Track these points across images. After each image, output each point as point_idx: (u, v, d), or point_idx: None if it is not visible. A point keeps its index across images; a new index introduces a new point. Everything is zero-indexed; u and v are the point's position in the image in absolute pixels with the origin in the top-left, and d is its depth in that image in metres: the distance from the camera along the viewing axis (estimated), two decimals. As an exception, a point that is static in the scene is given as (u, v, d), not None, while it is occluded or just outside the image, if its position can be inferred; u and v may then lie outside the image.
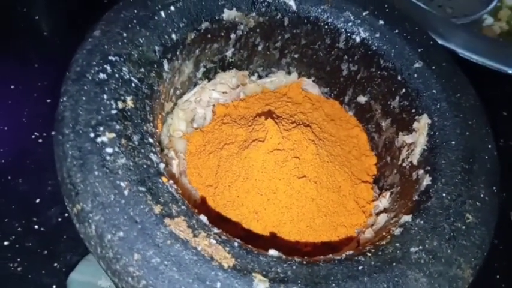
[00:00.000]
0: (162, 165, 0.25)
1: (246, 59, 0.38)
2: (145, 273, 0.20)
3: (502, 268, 0.40)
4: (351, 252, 0.24)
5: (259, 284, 0.21)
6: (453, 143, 0.29)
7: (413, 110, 0.32)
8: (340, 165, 0.32)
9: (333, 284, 0.21)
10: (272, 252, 0.23)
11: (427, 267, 0.23)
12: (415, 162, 0.30)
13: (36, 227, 0.37)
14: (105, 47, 0.27)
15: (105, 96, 0.25)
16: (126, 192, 0.22)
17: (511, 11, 0.58)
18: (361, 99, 0.37)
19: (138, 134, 0.25)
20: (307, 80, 0.39)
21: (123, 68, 0.27)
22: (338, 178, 0.31)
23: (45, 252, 0.36)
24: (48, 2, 0.53)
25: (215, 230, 0.23)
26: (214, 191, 0.30)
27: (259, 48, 0.37)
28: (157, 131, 0.30)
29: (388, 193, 0.32)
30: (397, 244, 0.24)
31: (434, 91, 0.31)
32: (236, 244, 0.22)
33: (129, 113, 0.25)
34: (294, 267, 0.22)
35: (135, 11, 0.29)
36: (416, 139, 0.31)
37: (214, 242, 0.22)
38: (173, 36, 0.30)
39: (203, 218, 0.23)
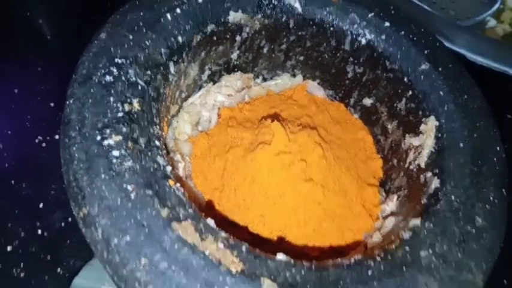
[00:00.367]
0: (168, 168, 0.24)
1: (251, 61, 0.38)
2: (152, 278, 0.20)
3: (510, 272, 0.40)
4: (360, 256, 0.23)
5: (268, 289, 0.20)
6: (461, 145, 0.28)
7: (420, 112, 0.31)
8: (346, 168, 0.32)
9: (343, 289, 0.21)
10: (280, 256, 0.22)
11: (437, 272, 0.23)
12: (422, 165, 0.30)
13: (39, 231, 0.37)
14: (112, 49, 0.27)
15: (111, 99, 0.25)
16: (133, 196, 0.22)
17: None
18: (367, 101, 0.37)
19: (145, 136, 0.25)
20: (313, 82, 0.39)
21: (130, 71, 0.26)
22: (344, 181, 0.31)
23: (49, 257, 0.36)
24: (51, 6, 0.53)
25: (223, 234, 0.22)
26: (220, 195, 0.30)
27: (265, 50, 0.37)
28: (164, 133, 0.30)
29: (395, 196, 0.32)
30: (407, 248, 0.24)
31: (441, 93, 0.31)
32: (244, 248, 0.22)
33: (135, 116, 0.25)
34: (303, 272, 0.22)
35: (141, 14, 0.29)
36: (424, 141, 0.30)
37: (222, 246, 0.22)
38: (179, 38, 0.30)
39: (210, 222, 0.23)
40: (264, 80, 0.40)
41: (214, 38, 0.33)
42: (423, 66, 0.32)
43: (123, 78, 0.26)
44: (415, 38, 0.34)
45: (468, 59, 0.48)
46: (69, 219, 0.37)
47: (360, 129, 0.37)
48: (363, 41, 0.34)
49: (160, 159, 0.24)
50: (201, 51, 0.33)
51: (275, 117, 0.33)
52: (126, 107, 0.25)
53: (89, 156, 0.23)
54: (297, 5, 0.34)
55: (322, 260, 0.24)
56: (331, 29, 0.35)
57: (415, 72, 0.32)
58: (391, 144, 0.35)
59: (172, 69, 0.30)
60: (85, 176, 0.22)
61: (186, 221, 0.22)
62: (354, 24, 0.34)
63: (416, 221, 0.25)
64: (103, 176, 0.22)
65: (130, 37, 0.28)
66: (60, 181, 0.39)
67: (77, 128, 0.24)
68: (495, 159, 0.28)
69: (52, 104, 0.44)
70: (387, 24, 0.34)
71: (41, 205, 0.38)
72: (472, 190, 0.26)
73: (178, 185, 0.24)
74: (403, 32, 0.34)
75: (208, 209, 0.30)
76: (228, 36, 0.34)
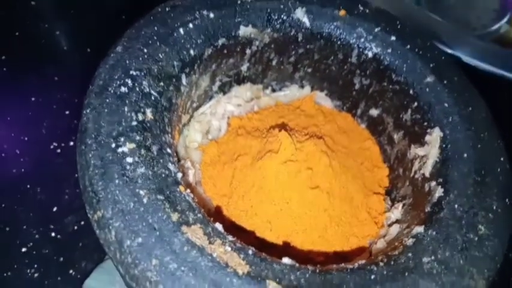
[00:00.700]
0: (179, 175, 0.25)
1: (261, 73, 0.39)
2: (163, 278, 0.21)
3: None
4: (363, 261, 0.24)
5: (273, 291, 0.21)
6: (465, 155, 0.29)
7: (425, 123, 0.32)
8: (352, 176, 0.32)
9: (346, 293, 0.22)
10: (286, 260, 0.23)
11: (439, 277, 0.23)
12: (427, 174, 0.30)
13: (53, 234, 0.38)
14: (127, 62, 0.28)
15: (126, 109, 0.26)
16: (145, 200, 0.23)
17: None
18: (374, 112, 0.37)
19: (157, 144, 0.26)
20: (320, 93, 0.40)
21: (144, 82, 0.28)
22: (350, 189, 0.32)
23: (61, 259, 0.37)
24: (68, 19, 0.55)
25: (230, 237, 0.23)
26: (228, 201, 0.31)
27: (274, 63, 0.38)
28: (175, 141, 0.31)
29: (401, 204, 0.32)
30: (410, 254, 0.24)
31: (446, 105, 0.31)
32: (250, 252, 0.23)
33: (148, 125, 0.26)
34: (307, 275, 0.22)
35: (155, 28, 0.30)
36: (428, 152, 0.31)
37: (229, 249, 0.22)
38: (191, 51, 0.31)
39: (218, 226, 0.24)
40: (273, 90, 0.40)
41: (225, 51, 0.34)
42: (428, 79, 0.33)
43: (138, 89, 0.27)
44: (420, 52, 0.34)
45: (480, 69, 0.48)
46: (82, 222, 0.38)
47: (366, 139, 0.37)
48: (370, 54, 0.35)
49: (171, 166, 0.26)
50: (212, 64, 0.34)
51: (283, 126, 0.34)
52: (140, 117, 0.26)
53: (104, 163, 0.24)
54: (305, 20, 0.35)
55: (327, 265, 0.24)
56: (339, 42, 0.36)
57: (421, 85, 0.33)
58: (397, 154, 0.35)
59: (184, 80, 0.31)
60: (100, 181, 0.23)
61: (195, 225, 0.23)
62: (361, 38, 0.35)
63: (419, 229, 0.26)
64: (117, 181, 0.23)
65: (145, 50, 0.29)
66: (73, 186, 0.40)
67: (93, 136, 0.25)
68: (499, 169, 0.29)
69: (67, 112, 0.45)
70: (393, 38, 0.35)
71: (54, 209, 0.39)
72: (475, 199, 0.27)
73: (188, 190, 0.25)
74: (408, 46, 0.34)
75: (216, 214, 0.31)
76: (238, 50, 0.35)
